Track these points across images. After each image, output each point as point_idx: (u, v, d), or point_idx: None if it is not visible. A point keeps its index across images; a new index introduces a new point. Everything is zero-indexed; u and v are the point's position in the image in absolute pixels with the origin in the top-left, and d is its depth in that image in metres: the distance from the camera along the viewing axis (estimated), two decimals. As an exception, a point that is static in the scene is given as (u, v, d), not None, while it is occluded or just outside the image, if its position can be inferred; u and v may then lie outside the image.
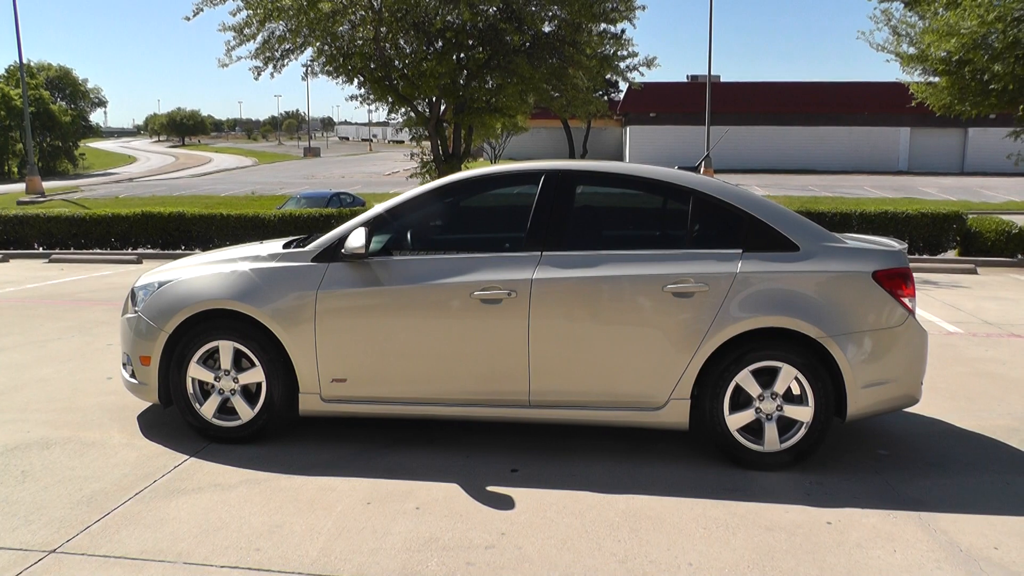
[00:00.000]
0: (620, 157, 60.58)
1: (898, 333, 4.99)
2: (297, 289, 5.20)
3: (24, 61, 35.68)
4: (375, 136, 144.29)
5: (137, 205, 20.73)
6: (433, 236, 5.64)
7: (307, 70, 17.55)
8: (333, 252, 5.24)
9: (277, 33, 16.48)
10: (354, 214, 14.04)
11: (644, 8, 17.27)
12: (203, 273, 5.44)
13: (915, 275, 5.55)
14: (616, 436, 5.54)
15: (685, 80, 61.02)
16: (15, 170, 58.97)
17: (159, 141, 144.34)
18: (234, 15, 16.46)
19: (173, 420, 5.73)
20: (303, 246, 5.44)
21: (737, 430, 4.98)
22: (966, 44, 14.15)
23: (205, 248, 16.35)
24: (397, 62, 16.99)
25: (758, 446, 4.97)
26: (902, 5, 15.94)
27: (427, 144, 19.15)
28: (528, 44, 16.62)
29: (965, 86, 15.24)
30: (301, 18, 15.67)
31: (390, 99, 17.84)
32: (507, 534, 4.13)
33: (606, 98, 44.98)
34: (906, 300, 5.02)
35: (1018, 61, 14.01)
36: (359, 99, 18.36)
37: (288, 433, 5.57)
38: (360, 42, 16.42)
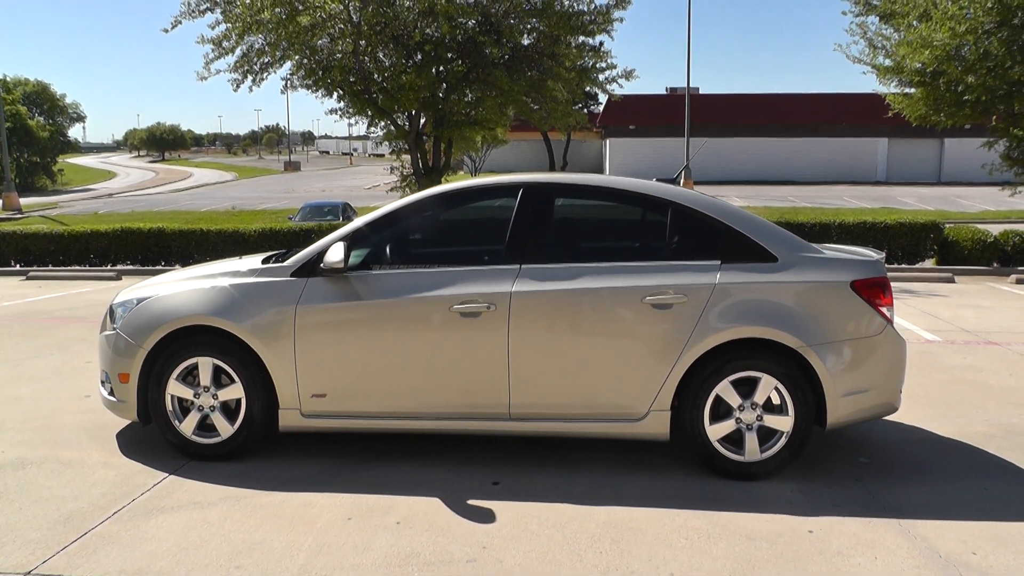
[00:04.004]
0: (600, 169, 60.74)
1: (877, 342, 5.02)
2: (276, 304, 5.18)
3: (0, 76, 35.42)
4: (355, 150, 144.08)
5: (116, 221, 20.62)
6: (412, 249, 5.64)
7: (286, 83, 17.50)
8: (312, 267, 5.22)
9: (256, 46, 16.43)
10: (332, 228, 14.02)
11: (622, 21, 17.33)
12: (182, 289, 5.41)
13: (893, 284, 5.59)
14: (597, 448, 5.54)
15: (664, 92, 61.32)
16: (-8, 187, 58.45)
17: (139, 156, 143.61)
18: (213, 28, 16.39)
19: (152, 438, 5.67)
20: (282, 261, 5.43)
21: (718, 440, 4.99)
22: (939, 56, 14.31)
23: (185, 264, 16.27)
24: (376, 75, 16.99)
25: (739, 456, 4.99)
26: (877, 18, 16.10)
27: (407, 157, 19.13)
28: (507, 57, 16.65)
29: (940, 97, 15.40)
30: (280, 31, 15.64)
31: (369, 112, 17.81)
32: (488, 548, 4.12)
33: (586, 110, 45.26)
34: (884, 309, 5.06)
35: (990, 73, 14.18)
36: (338, 113, 18.34)
37: (268, 449, 5.53)
38: (339, 55, 16.40)
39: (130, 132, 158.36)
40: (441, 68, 16.95)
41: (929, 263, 15.84)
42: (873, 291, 5.04)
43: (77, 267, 16.83)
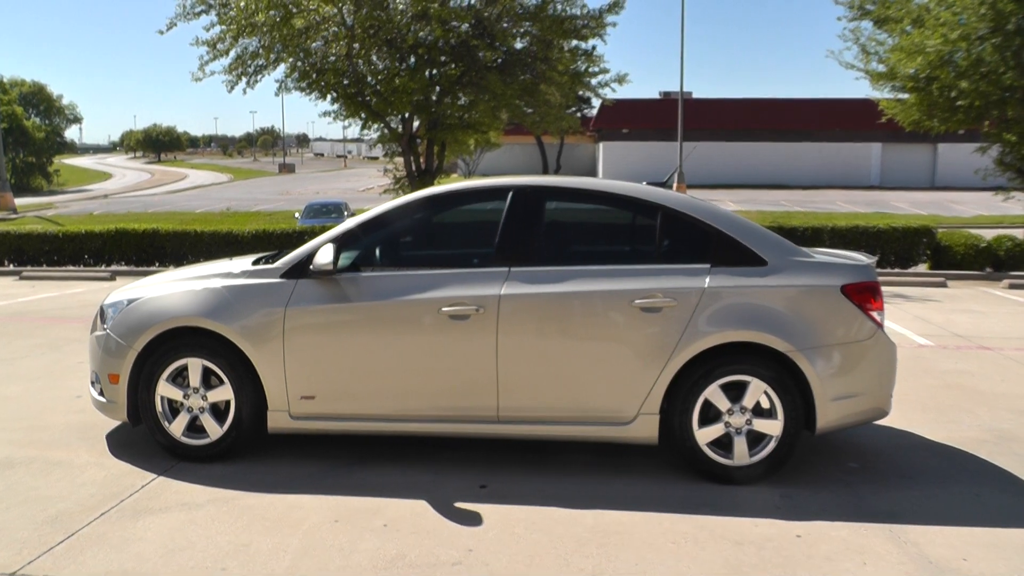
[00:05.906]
0: (593, 173, 60.73)
1: (867, 346, 5.02)
2: (266, 306, 5.17)
3: (-4, 77, 35.25)
4: (349, 152, 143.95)
5: (111, 222, 20.56)
6: (402, 252, 5.64)
7: (281, 86, 17.48)
8: (302, 268, 5.21)
9: (250, 49, 16.43)
10: (323, 230, 14.00)
11: (615, 25, 17.36)
12: (172, 290, 5.40)
13: (886, 288, 5.60)
14: (585, 451, 5.53)
15: (657, 96, 61.18)
16: (-14, 187, 58.21)
17: (135, 157, 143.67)
18: (208, 30, 16.39)
19: (142, 439, 5.66)
20: (272, 262, 5.42)
21: (706, 444, 4.98)
22: (932, 62, 14.34)
23: (179, 265, 16.23)
24: (370, 78, 16.98)
25: (728, 460, 4.98)
26: (871, 23, 16.12)
27: (400, 160, 19.13)
28: (500, 60, 16.66)
29: (933, 103, 15.41)
30: (274, 34, 15.65)
31: (363, 115, 17.81)
32: (475, 551, 4.12)
33: (579, 114, 45.20)
34: (875, 314, 5.05)
35: (983, 78, 14.21)
36: (332, 115, 18.30)
37: (257, 451, 5.52)
38: (333, 58, 16.39)
39: (126, 133, 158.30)
40: (434, 71, 16.95)
41: (922, 268, 15.86)
42: (864, 295, 5.03)
43: (71, 267, 16.80)
